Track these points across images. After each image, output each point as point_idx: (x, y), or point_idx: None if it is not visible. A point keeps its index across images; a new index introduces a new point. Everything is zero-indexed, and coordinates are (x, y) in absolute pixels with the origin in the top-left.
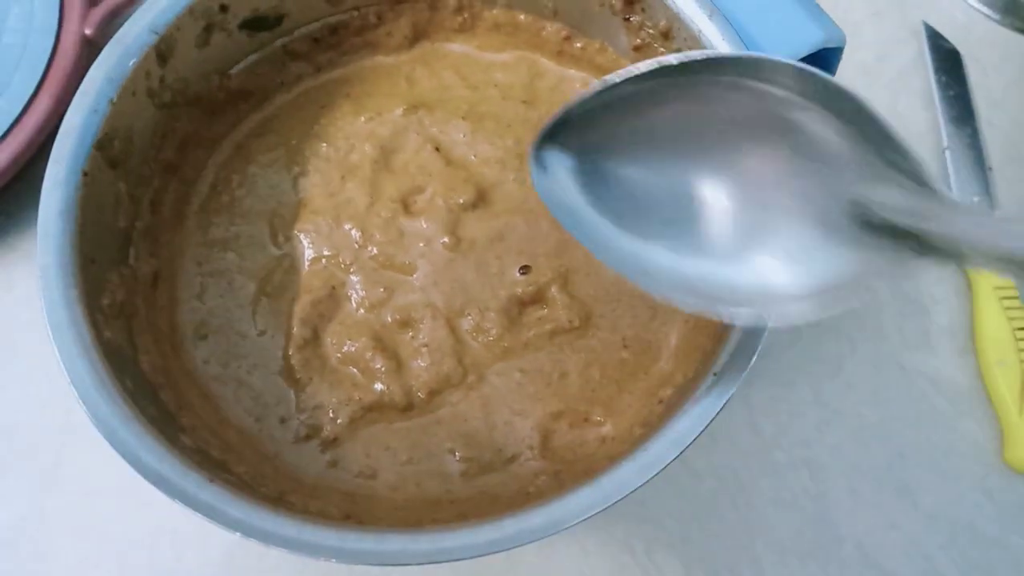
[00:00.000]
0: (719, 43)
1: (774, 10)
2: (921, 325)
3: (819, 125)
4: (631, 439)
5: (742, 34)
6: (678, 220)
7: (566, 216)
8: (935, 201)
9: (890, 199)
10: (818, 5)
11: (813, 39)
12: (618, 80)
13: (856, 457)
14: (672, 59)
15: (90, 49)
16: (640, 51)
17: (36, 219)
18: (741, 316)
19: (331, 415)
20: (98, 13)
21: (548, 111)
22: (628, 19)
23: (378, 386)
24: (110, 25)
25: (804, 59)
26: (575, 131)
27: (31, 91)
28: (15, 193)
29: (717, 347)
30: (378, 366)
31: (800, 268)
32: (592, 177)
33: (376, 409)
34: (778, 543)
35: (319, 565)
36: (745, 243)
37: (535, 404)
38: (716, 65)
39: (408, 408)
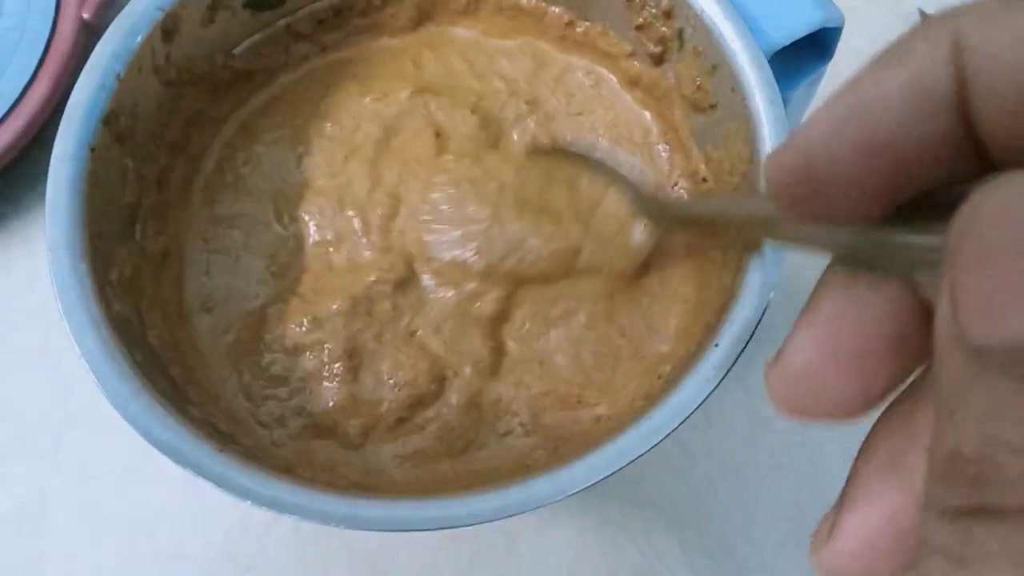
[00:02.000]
0: (721, 21)
1: None
2: None
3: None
4: (632, 412)
5: (743, 13)
6: None
7: None
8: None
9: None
10: None
11: (812, 19)
12: None
13: (852, 440)
14: None
15: (88, 33)
16: (642, 30)
17: (34, 204)
18: None
19: None
20: None
21: (549, 111)
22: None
23: None
24: (108, 9)
25: (803, 38)
26: None
27: (29, 75)
28: (13, 177)
29: (719, 319)
30: None
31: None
32: None
33: None
34: (775, 524)
35: (318, 547)
36: None
37: (519, 389)
38: None
39: None
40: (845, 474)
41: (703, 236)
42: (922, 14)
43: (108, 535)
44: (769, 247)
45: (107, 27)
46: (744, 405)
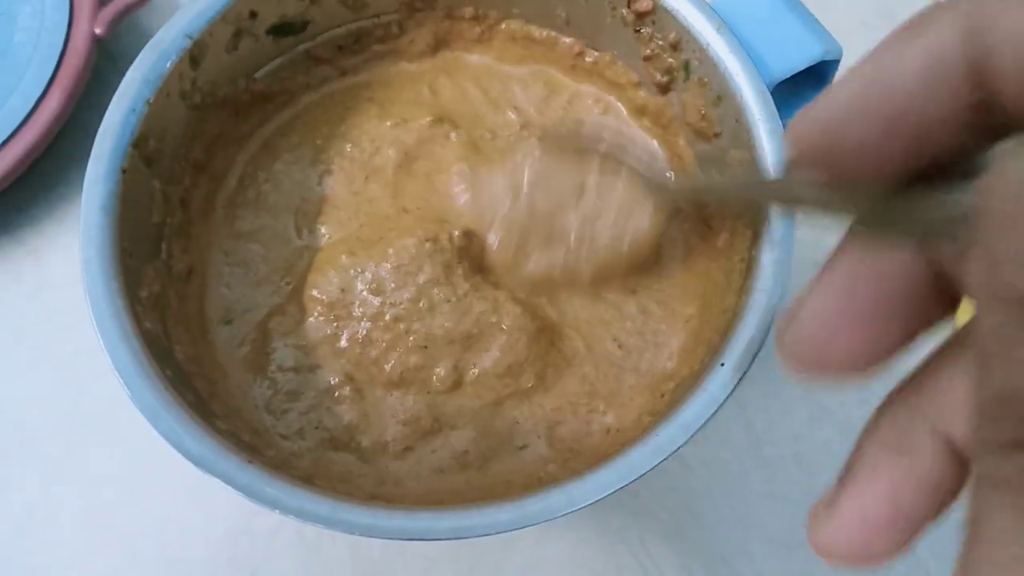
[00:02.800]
0: (725, 55)
1: (777, 25)
2: None
3: None
4: (639, 427)
5: (746, 47)
6: None
7: None
8: None
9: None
10: (817, 21)
11: (812, 52)
12: None
13: (845, 452)
14: None
15: (100, 48)
16: (649, 60)
17: (44, 214)
18: None
19: None
20: (108, 13)
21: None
22: (639, 31)
23: None
24: (120, 24)
25: (803, 71)
26: None
27: (42, 89)
28: (25, 188)
29: (723, 340)
30: None
31: None
32: None
33: None
34: (770, 535)
35: (322, 553)
36: None
37: (533, 408)
38: None
39: None
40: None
41: (715, 209)
42: None
43: (113, 540)
44: (781, 217)
45: (119, 42)
46: (739, 419)
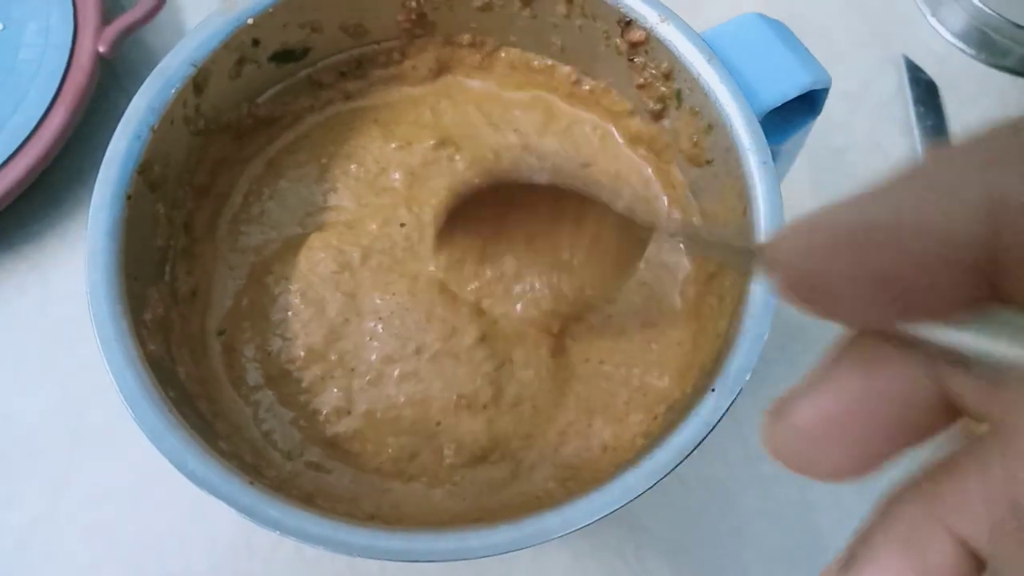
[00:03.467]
0: (716, 85)
1: (767, 55)
2: None
3: None
4: (633, 448)
5: (737, 77)
6: None
7: None
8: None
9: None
10: (807, 50)
11: (801, 82)
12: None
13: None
14: None
15: (103, 66)
16: (643, 89)
17: (46, 230)
18: None
19: None
20: (112, 31)
21: (557, 163)
22: (632, 60)
23: None
24: (123, 43)
25: (794, 99)
26: None
27: (46, 105)
28: (28, 203)
29: (715, 365)
30: None
31: None
32: None
33: None
34: (765, 551)
35: (321, 569)
36: None
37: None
38: None
39: None
40: (831, 503)
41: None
42: (907, 61)
43: (115, 554)
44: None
45: (122, 60)
46: (735, 436)
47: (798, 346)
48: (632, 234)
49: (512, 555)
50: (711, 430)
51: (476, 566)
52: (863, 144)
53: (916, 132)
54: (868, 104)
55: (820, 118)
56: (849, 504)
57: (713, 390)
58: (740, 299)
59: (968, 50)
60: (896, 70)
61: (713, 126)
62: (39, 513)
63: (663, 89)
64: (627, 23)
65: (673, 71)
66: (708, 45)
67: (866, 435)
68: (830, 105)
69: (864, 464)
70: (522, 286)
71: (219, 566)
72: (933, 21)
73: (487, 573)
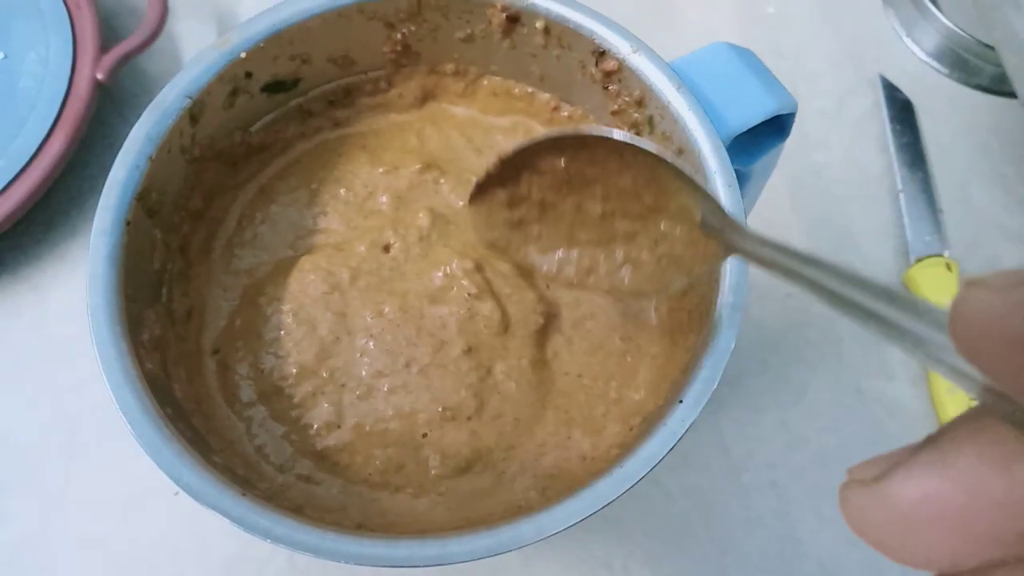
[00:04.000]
0: (685, 112)
1: (734, 83)
2: (878, 355)
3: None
4: (609, 458)
5: (705, 104)
6: None
7: None
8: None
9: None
10: (773, 77)
11: (767, 108)
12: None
13: (818, 478)
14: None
15: (102, 93)
16: (617, 115)
17: (44, 251)
18: None
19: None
20: (110, 59)
21: None
22: (607, 88)
23: None
24: (121, 70)
25: (762, 123)
26: None
27: (45, 132)
28: (26, 225)
29: (684, 378)
30: None
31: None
32: None
33: None
34: (746, 559)
35: None
36: None
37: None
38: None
39: None
40: (812, 512)
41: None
42: (884, 80)
43: (109, 567)
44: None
45: (120, 86)
46: (717, 447)
47: (778, 359)
48: (702, 248)
49: (502, 566)
50: (678, 440)
51: None
52: (841, 161)
53: (892, 149)
54: (845, 122)
55: (798, 136)
56: (827, 513)
57: (681, 401)
58: (707, 314)
59: (942, 69)
60: (872, 89)
61: (683, 150)
62: (34, 528)
63: (636, 115)
64: (601, 53)
65: (645, 98)
66: (677, 74)
67: (975, 526)
68: (808, 124)
69: (955, 562)
70: (587, 259)
71: None
72: (908, 41)
73: None
